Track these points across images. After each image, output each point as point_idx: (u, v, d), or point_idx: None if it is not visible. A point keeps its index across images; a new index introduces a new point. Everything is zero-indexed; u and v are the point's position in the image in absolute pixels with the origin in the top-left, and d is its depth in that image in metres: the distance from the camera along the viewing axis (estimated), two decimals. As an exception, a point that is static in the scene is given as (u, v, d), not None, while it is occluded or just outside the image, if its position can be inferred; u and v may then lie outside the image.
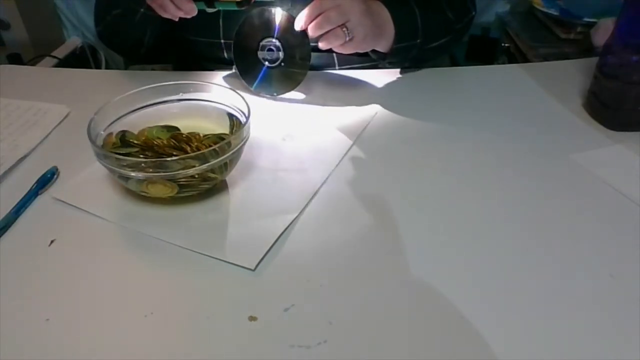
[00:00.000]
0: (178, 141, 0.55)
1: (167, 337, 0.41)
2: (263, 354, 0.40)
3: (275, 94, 0.73)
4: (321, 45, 0.66)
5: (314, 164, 0.60)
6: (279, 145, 0.64)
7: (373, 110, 0.70)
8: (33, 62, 1.23)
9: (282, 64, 0.71)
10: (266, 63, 0.71)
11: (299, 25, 0.66)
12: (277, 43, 0.70)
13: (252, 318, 0.42)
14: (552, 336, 0.41)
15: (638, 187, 0.56)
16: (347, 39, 0.65)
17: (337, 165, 0.60)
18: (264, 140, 0.64)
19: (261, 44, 0.70)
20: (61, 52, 1.29)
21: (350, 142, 0.64)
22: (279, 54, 0.70)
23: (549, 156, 0.62)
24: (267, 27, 0.69)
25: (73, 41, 1.37)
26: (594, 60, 0.71)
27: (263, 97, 0.73)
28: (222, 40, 0.78)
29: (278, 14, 0.69)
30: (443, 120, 0.69)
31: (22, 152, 0.61)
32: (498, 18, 1.34)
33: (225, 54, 0.80)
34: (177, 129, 0.57)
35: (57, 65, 1.20)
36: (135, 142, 0.55)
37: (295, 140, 0.65)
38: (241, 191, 0.56)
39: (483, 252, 0.49)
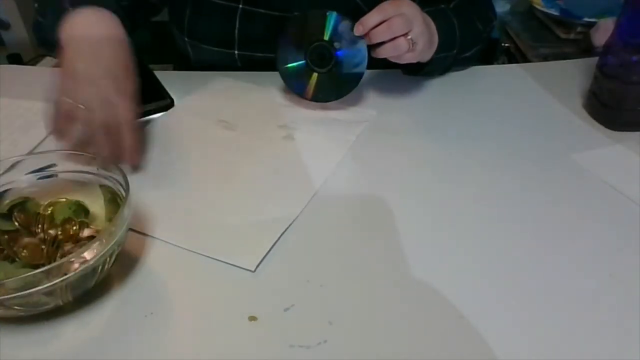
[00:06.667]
0: (27, 224, 0.45)
1: (167, 337, 0.41)
2: (263, 354, 0.40)
3: (325, 101, 0.70)
4: (379, 53, 0.63)
5: (314, 164, 0.60)
6: (280, 144, 0.64)
7: (373, 110, 0.70)
8: (33, 62, 1.23)
9: (334, 69, 0.67)
10: (316, 68, 0.68)
11: (359, 30, 0.62)
12: (330, 47, 0.66)
13: (252, 318, 0.42)
14: (552, 336, 0.41)
15: (638, 187, 0.56)
16: (410, 49, 0.62)
17: (337, 165, 0.60)
18: (264, 139, 0.64)
19: (311, 47, 0.66)
20: (61, 52, 1.28)
21: (350, 142, 0.64)
22: (331, 59, 0.66)
23: (549, 156, 0.62)
24: (318, 30, 0.65)
25: (73, 41, 1.37)
26: (594, 60, 0.71)
27: (261, 95, 0.73)
28: (236, 52, 0.76)
29: (331, 17, 0.65)
30: (443, 120, 0.69)
31: (22, 152, 0.61)
32: (498, 18, 1.34)
33: (239, 64, 0.78)
34: (85, 209, 0.48)
35: (57, 65, 1.20)
36: (18, 220, 0.45)
37: (296, 139, 0.65)
38: (242, 191, 0.56)
39: (483, 252, 0.49)
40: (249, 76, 0.77)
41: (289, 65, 0.69)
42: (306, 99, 0.70)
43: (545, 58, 1.06)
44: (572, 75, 0.79)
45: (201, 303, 0.44)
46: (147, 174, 0.58)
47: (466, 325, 0.42)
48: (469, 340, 0.41)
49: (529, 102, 0.74)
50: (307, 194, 0.55)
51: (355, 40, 0.64)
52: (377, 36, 0.62)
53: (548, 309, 0.43)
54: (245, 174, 0.59)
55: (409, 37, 0.62)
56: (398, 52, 0.62)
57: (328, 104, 0.71)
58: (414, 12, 0.62)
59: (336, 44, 0.65)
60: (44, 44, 0.71)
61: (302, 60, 0.68)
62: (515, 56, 1.19)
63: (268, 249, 0.48)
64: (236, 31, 0.74)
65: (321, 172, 0.59)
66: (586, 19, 1.08)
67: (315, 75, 0.68)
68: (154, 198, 0.54)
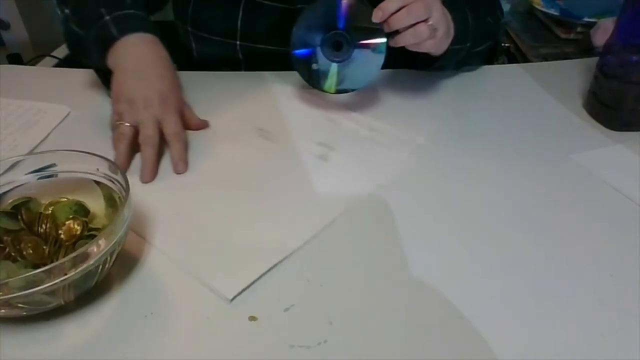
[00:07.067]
0: (29, 224, 0.45)
1: (167, 337, 0.41)
2: (263, 354, 0.40)
3: (344, 92, 0.68)
4: (398, 41, 0.60)
5: (339, 191, 0.56)
6: (311, 163, 0.60)
7: (421, 137, 0.65)
8: (33, 62, 1.23)
9: (351, 59, 0.64)
10: (333, 59, 0.65)
11: (378, 16, 0.59)
12: (347, 37, 0.63)
13: (252, 318, 0.42)
14: (552, 336, 0.41)
15: (638, 187, 0.56)
16: (430, 35, 0.60)
17: (359, 198, 0.55)
18: (298, 156, 0.61)
19: (326, 37, 0.63)
20: (61, 52, 1.29)
21: (386, 174, 0.58)
22: (349, 49, 0.63)
23: (549, 156, 0.62)
24: (334, 18, 0.62)
25: (73, 41, 1.37)
26: (594, 60, 0.71)
27: (309, 106, 0.69)
28: (239, 42, 0.76)
29: (347, 4, 0.62)
30: (442, 120, 0.69)
31: (22, 152, 0.61)
32: (498, 18, 1.34)
33: (241, 55, 0.78)
34: (85, 209, 0.48)
35: (57, 65, 1.20)
36: (23, 219, 0.45)
37: (331, 161, 0.60)
38: (251, 209, 0.53)
39: (483, 252, 0.49)
40: (298, 83, 0.74)
41: (304, 54, 0.65)
42: (322, 90, 0.67)
43: (545, 58, 1.06)
44: (572, 75, 0.79)
45: (201, 303, 0.44)
46: (168, 175, 0.58)
47: (466, 325, 0.42)
48: (469, 340, 0.41)
49: (529, 102, 0.74)
50: (315, 227, 0.51)
51: (373, 28, 0.61)
52: (397, 22, 0.59)
53: (548, 309, 0.43)
54: (262, 191, 0.56)
55: (430, 22, 0.59)
56: (419, 39, 0.60)
57: (375, 120, 0.67)
58: None
59: (353, 33, 0.63)
60: (77, 53, 0.71)
61: (317, 49, 0.65)
62: (515, 56, 1.19)
63: (252, 281, 0.45)
64: (239, 22, 0.74)
65: (341, 204, 0.54)
66: (586, 19, 1.08)
67: (332, 66, 0.65)
68: (162, 200, 0.53)
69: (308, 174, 0.58)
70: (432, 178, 0.58)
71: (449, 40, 0.66)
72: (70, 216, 0.46)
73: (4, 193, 0.48)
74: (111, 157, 0.48)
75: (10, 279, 0.36)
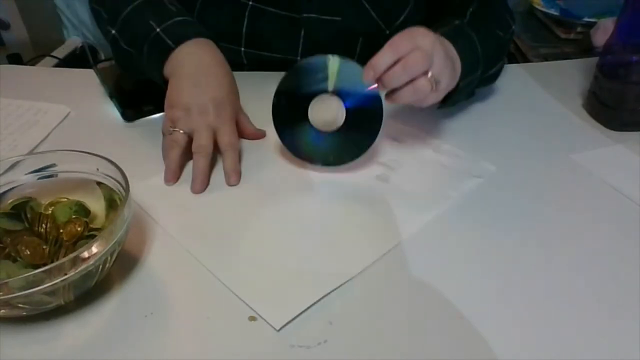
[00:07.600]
0: (31, 222, 0.45)
1: (167, 337, 0.41)
2: (263, 354, 0.40)
3: (340, 164, 0.58)
4: (396, 100, 0.53)
5: (395, 218, 0.52)
6: (369, 184, 0.56)
7: (492, 166, 0.59)
8: (33, 62, 1.24)
9: (344, 126, 0.56)
10: (324, 130, 0.57)
11: (370, 76, 0.51)
12: (336, 100, 0.55)
13: (252, 318, 0.42)
14: (552, 336, 0.41)
15: (638, 187, 0.57)
16: (433, 89, 0.52)
17: (419, 228, 0.51)
18: (355, 174, 0.58)
19: (313, 103, 0.56)
20: (61, 52, 1.29)
21: (452, 199, 0.55)
22: (338, 115, 0.56)
23: (548, 156, 0.62)
24: (319, 80, 0.55)
25: (73, 41, 1.38)
26: (594, 60, 0.71)
27: None
28: (243, 49, 0.75)
29: (333, 63, 0.54)
30: (442, 119, 0.69)
31: (22, 152, 0.61)
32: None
33: (245, 61, 0.77)
34: (86, 209, 0.48)
35: (57, 65, 1.20)
36: (29, 215, 0.46)
37: (390, 183, 0.56)
38: (304, 230, 0.51)
39: (482, 252, 0.49)
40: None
41: (288, 132, 0.58)
42: (317, 164, 0.58)
43: (545, 58, 1.06)
44: (572, 75, 0.79)
45: (201, 303, 0.44)
46: (219, 186, 0.56)
47: (466, 325, 0.42)
48: (469, 340, 0.41)
49: (529, 102, 0.74)
50: (373, 254, 0.48)
51: (365, 85, 0.53)
52: (393, 81, 0.51)
53: (548, 309, 0.43)
54: (314, 211, 0.53)
55: (430, 75, 0.51)
56: (419, 95, 0.52)
57: (448, 146, 0.62)
58: (432, 43, 0.52)
59: (342, 96, 0.55)
60: (130, 71, 0.70)
61: (304, 123, 0.57)
62: (515, 56, 1.19)
63: (301, 310, 0.42)
64: (244, 28, 0.74)
65: (400, 231, 0.50)
66: (586, 19, 1.08)
67: (322, 139, 0.57)
68: (212, 214, 0.52)
69: (367, 195, 0.55)
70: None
71: (456, 80, 0.59)
72: (73, 216, 0.46)
73: (4, 193, 0.48)
74: (111, 157, 0.48)
75: (10, 279, 0.36)
